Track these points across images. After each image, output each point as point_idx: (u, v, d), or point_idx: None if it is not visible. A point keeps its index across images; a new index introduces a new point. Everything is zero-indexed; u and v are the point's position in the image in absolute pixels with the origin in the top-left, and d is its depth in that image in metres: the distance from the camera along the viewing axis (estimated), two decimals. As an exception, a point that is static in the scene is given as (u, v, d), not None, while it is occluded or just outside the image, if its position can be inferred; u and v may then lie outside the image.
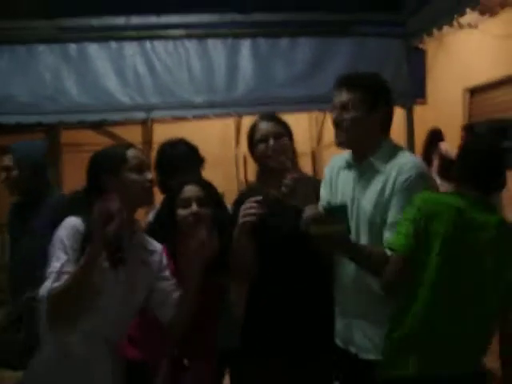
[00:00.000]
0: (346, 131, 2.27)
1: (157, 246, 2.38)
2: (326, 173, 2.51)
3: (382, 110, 2.30)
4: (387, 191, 2.21)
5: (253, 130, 2.64)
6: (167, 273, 2.34)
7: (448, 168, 7.70)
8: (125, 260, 2.12)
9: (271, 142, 2.54)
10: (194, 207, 2.39)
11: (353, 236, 2.22)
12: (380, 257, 2.16)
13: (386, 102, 2.33)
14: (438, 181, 7.69)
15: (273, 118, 2.68)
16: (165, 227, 2.48)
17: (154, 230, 2.48)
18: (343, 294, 2.37)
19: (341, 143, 2.33)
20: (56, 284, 1.99)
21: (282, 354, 2.50)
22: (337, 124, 2.30)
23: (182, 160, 3.02)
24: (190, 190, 2.45)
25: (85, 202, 2.16)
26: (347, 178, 2.38)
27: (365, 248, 2.22)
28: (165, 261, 2.36)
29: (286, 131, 2.62)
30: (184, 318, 2.28)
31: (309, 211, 2.09)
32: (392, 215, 2.19)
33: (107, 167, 2.19)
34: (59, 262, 2.03)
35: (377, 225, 2.23)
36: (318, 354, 2.52)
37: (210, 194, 2.51)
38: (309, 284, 2.51)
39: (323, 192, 2.48)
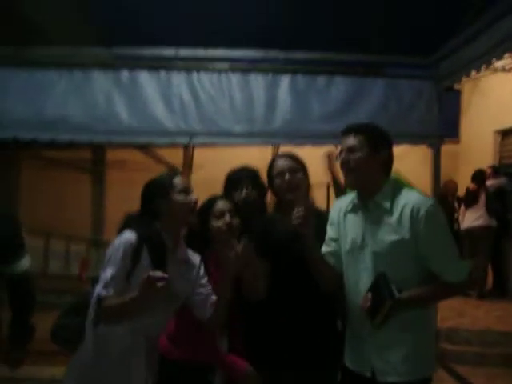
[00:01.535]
0: (352, 171, 2.52)
1: (196, 258, 2.74)
2: (333, 215, 2.73)
3: (384, 153, 2.56)
4: (404, 226, 2.42)
5: (271, 166, 2.98)
6: (204, 280, 2.70)
7: (494, 204, 7.95)
8: (166, 273, 2.48)
9: (287, 176, 2.86)
10: (228, 218, 2.76)
11: (368, 264, 2.49)
12: (443, 291, 2.51)
13: (386, 147, 2.59)
14: (482, 212, 7.94)
15: (289, 155, 3.00)
16: (197, 238, 2.82)
17: (187, 242, 2.81)
18: (355, 317, 2.58)
19: (349, 184, 2.59)
20: (104, 293, 2.39)
21: (290, 367, 2.77)
22: (343, 164, 2.55)
23: (245, 180, 3.23)
24: (222, 204, 2.83)
25: (140, 221, 2.56)
26: (354, 222, 2.60)
27: (425, 294, 2.47)
28: (202, 270, 2.71)
29: (300, 167, 2.92)
30: (220, 317, 2.67)
31: (364, 302, 2.38)
32: (434, 248, 2.43)
33: (159, 192, 2.58)
34: (109, 271, 2.44)
35: (393, 253, 2.44)
36: (323, 369, 2.79)
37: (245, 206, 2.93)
38: (317, 305, 2.79)
39: (329, 231, 2.70)
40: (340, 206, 2.74)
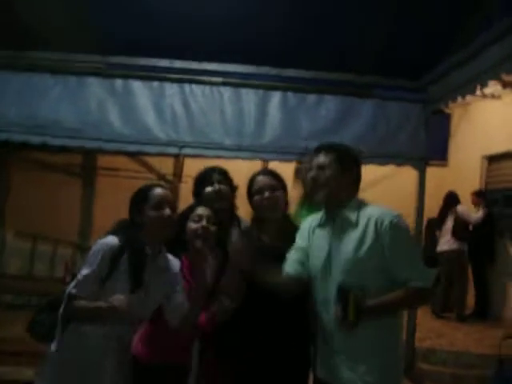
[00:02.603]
0: (321, 187, 2.61)
1: (176, 265, 2.82)
2: (304, 227, 2.82)
3: (351, 172, 2.67)
4: (369, 237, 2.50)
5: (251, 182, 3.07)
6: (179, 288, 2.77)
7: (461, 229, 8.04)
8: (143, 282, 2.58)
9: (266, 194, 2.95)
10: (204, 222, 2.85)
11: (336, 277, 2.56)
12: (409, 297, 2.53)
13: (354, 166, 2.69)
14: (449, 237, 8.04)
15: (269, 172, 3.10)
16: (176, 241, 2.90)
17: (168, 246, 2.88)
18: (327, 332, 2.64)
19: (318, 199, 2.66)
20: (74, 291, 2.53)
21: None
22: (313, 180, 2.63)
23: (216, 176, 3.37)
24: (201, 209, 2.92)
25: (126, 227, 2.66)
26: (322, 237, 2.70)
27: (392, 300, 2.52)
28: (179, 278, 2.80)
29: (280, 185, 3.01)
30: (189, 324, 2.75)
31: (336, 314, 2.44)
32: (400, 256, 2.50)
33: (134, 206, 2.68)
34: (85, 271, 2.56)
35: (359, 265, 2.51)
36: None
37: (219, 215, 2.99)
38: (291, 318, 2.86)
39: (299, 241, 2.80)
40: (310, 222, 2.83)
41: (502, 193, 8.48)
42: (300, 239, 2.81)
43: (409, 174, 5.86)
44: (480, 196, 8.32)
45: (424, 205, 5.73)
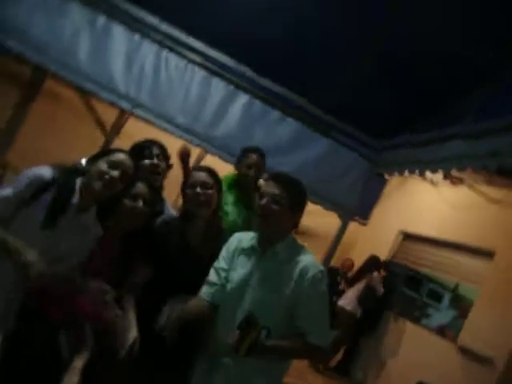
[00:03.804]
0: (268, 219, 2.59)
1: (98, 232, 2.75)
2: (231, 246, 2.78)
3: (298, 214, 2.68)
4: (291, 280, 2.52)
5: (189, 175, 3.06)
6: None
7: (366, 296, 8.21)
8: (55, 223, 2.51)
9: (198, 189, 2.94)
10: (141, 204, 2.77)
11: (245, 306, 2.55)
12: (303, 350, 2.60)
13: (302, 209, 2.70)
14: (354, 298, 8.21)
15: (207, 169, 3.08)
16: (107, 210, 2.81)
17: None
18: (217, 351, 2.62)
19: (259, 228, 2.66)
20: None
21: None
22: (263, 209, 2.60)
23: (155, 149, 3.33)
24: (140, 187, 2.82)
25: (70, 168, 2.66)
26: (245, 264, 2.68)
27: (286, 346, 2.56)
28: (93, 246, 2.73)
29: (214, 183, 3.01)
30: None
31: (231, 338, 2.38)
32: (310, 309, 2.53)
33: (94, 156, 2.68)
34: (7, 191, 2.48)
35: (272, 303, 2.54)
36: None
37: (155, 198, 2.90)
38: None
39: (222, 261, 2.75)
40: (238, 241, 2.80)
41: (404, 270, 8.78)
42: (224, 257, 2.78)
43: (330, 219, 6.00)
44: (384, 269, 8.60)
45: (334, 253, 5.88)
